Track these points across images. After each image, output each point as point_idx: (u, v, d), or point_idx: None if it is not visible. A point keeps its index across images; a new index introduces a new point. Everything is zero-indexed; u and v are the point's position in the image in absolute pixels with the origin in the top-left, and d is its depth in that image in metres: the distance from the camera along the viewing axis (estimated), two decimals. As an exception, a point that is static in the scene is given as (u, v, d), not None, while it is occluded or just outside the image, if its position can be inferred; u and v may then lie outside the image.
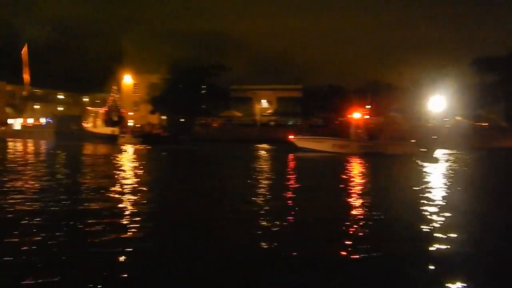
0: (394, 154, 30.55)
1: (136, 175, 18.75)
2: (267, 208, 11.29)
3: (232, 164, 26.82)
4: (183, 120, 68.02)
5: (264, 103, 74.47)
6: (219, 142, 49.58)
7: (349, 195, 13.50)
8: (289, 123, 62.84)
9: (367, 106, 37.49)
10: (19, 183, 14.78)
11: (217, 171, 22.72)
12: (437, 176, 19.53)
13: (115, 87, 48.75)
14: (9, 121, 61.10)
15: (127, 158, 28.26)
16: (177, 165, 27.01)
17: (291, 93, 71.39)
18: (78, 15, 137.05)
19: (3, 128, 58.86)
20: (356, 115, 35.04)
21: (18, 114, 72.23)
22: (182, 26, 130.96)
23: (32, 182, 15.35)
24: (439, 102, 47.85)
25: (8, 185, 14.33)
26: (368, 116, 36.87)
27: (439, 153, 31.34)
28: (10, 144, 41.87)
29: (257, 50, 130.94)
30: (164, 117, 71.75)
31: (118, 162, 25.01)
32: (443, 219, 10.07)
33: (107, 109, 47.59)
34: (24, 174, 17.48)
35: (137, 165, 24.41)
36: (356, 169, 23.08)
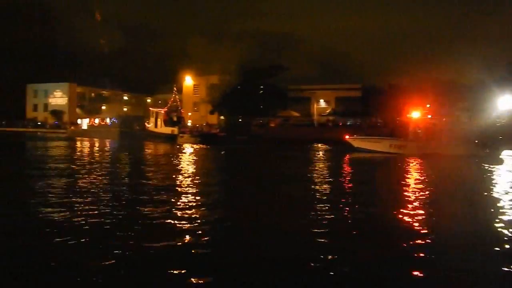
0: (455, 155, 28.98)
1: (194, 174, 19.06)
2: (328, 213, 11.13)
3: (288, 164, 26.72)
4: (241, 120, 68.95)
5: (322, 103, 73.82)
6: (276, 142, 49.45)
7: (413, 202, 12.60)
8: (348, 123, 61.84)
9: (427, 105, 35.98)
10: (85, 181, 15.41)
11: (274, 171, 22.70)
12: (504, 178, 18.42)
13: (175, 88, 50.02)
14: (78, 121, 64.67)
15: (186, 157, 28.98)
16: (235, 164, 27.40)
17: (350, 93, 70.16)
18: (141, 17, 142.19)
19: (72, 127, 62.40)
20: (415, 114, 33.73)
21: (87, 114, 76.39)
22: (242, 27, 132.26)
23: (99, 180, 16.04)
24: (507, 101, 45.07)
25: (77, 184, 14.92)
26: (429, 116, 35.47)
27: (505, 154, 29.54)
28: (78, 143, 44.20)
29: (317, 50, 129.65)
30: (222, 117, 73.10)
31: (177, 161, 25.65)
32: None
33: (167, 109, 48.85)
34: (90, 173, 18.24)
35: (196, 164, 24.90)
36: (415, 171, 22.21)
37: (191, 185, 14.86)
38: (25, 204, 11.12)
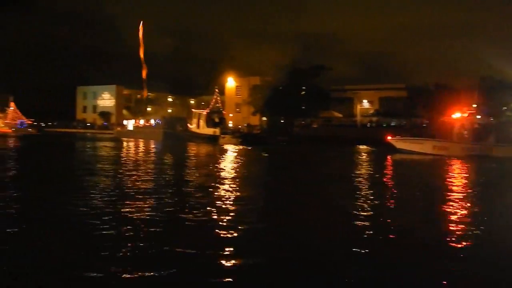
0: (502, 157, 27.80)
1: (236, 175, 19.27)
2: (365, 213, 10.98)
3: (328, 166, 26.51)
4: (283, 121, 68.89)
5: (366, 103, 72.55)
6: (318, 143, 49.11)
7: (456, 211, 11.91)
8: (392, 124, 60.53)
9: (473, 105, 34.67)
10: (129, 181, 15.93)
11: (315, 173, 22.60)
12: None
13: (217, 90, 50.70)
14: (124, 122, 66.71)
15: (227, 158, 29.31)
16: (276, 165, 27.42)
17: (394, 93, 68.43)
18: (185, 20, 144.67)
19: (119, 128, 64.42)
20: (459, 114, 32.78)
21: (133, 115, 78.58)
22: (285, 28, 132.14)
23: (145, 178, 16.68)
24: None
25: (121, 183, 15.45)
26: (478, 116, 34.20)
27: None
28: (124, 143, 45.56)
29: (360, 49, 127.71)
30: (264, 118, 73.27)
31: (219, 162, 25.99)
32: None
33: (209, 111, 49.60)
34: (134, 173, 18.80)
35: (237, 164, 25.13)
36: (459, 174, 21.45)
37: (232, 187, 14.98)
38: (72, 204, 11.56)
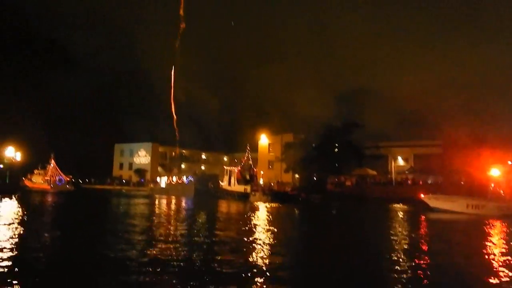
0: None
1: (265, 234, 18.81)
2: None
3: (365, 224, 25.78)
4: (315, 178, 68.32)
5: (400, 160, 71.30)
6: (352, 200, 48.44)
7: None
8: (429, 181, 58.91)
9: (509, 162, 33.35)
10: (159, 239, 15.96)
11: (352, 231, 22.18)
12: None
13: (248, 147, 51.33)
14: (157, 179, 67.84)
15: (257, 216, 28.90)
16: (309, 224, 26.78)
17: (429, 150, 67.11)
18: (219, 77, 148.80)
19: (152, 185, 65.42)
20: (495, 171, 31.30)
21: (167, 172, 79.85)
22: (320, 84, 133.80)
23: (173, 237, 16.78)
24: None
25: (152, 240, 15.63)
26: None
27: None
28: (156, 200, 45.97)
29: (396, 105, 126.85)
30: (297, 176, 72.96)
31: (248, 220, 25.62)
32: None
33: (240, 168, 49.93)
34: (164, 230, 18.92)
35: (268, 223, 24.62)
36: (494, 236, 20.17)
37: (262, 246, 14.71)
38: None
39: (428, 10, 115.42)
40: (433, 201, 33.26)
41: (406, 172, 65.35)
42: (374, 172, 67.73)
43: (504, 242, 17.79)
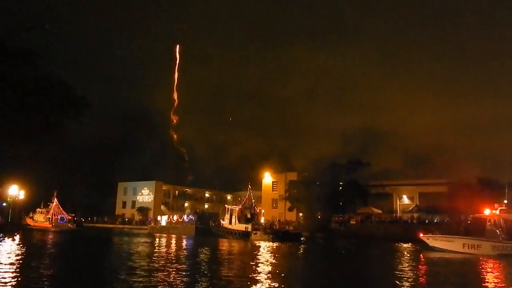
0: None
1: (267, 274, 18.12)
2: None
3: (369, 265, 25.22)
4: (320, 216, 67.43)
5: (405, 198, 70.39)
6: (356, 239, 47.91)
7: None
8: (435, 220, 57.91)
9: (505, 201, 33.16)
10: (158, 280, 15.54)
11: (357, 272, 21.64)
12: None
13: (250, 186, 51.27)
14: (158, 218, 67.12)
15: (257, 255, 28.13)
16: (311, 264, 26.25)
17: (434, 188, 66.24)
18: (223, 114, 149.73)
19: (152, 224, 64.64)
20: (487, 211, 31.45)
21: (170, 211, 79.11)
22: (325, 123, 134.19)
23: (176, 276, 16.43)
24: None
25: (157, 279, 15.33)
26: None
27: None
28: (157, 239, 45.22)
29: (400, 144, 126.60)
30: (301, 214, 72.00)
31: (248, 260, 25.13)
32: None
33: (241, 207, 49.72)
34: (163, 270, 18.30)
35: (268, 263, 23.74)
36: (488, 277, 19.46)
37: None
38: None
39: (439, 59, 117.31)
40: (431, 241, 33.37)
41: (412, 210, 64.40)
42: (379, 211, 66.90)
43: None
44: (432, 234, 34.73)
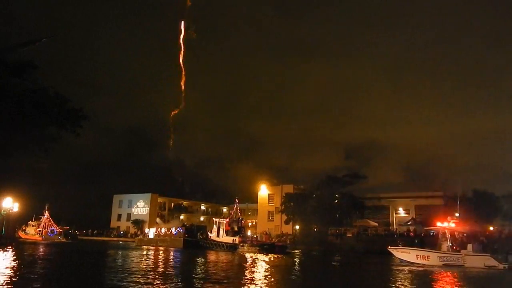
0: (474, 267, 28.22)
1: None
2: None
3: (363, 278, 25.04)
4: (316, 229, 66.50)
5: (402, 211, 69.34)
6: (352, 252, 48.34)
7: None
8: (432, 233, 56.79)
9: (455, 214, 35.98)
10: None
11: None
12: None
13: (237, 200, 51.64)
14: (146, 230, 66.20)
15: (244, 267, 28.03)
16: (304, 276, 25.67)
17: (430, 201, 65.22)
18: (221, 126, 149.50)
19: (140, 237, 63.68)
20: (439, 223, 33.13)
21: (165, 224, 77.99)
22: (323, 136, 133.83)
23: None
24: None
25: None
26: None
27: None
28: (144, 251, 44.33)
29: (397, 157, 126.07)
30: (297, 227, 70.98)
31: (235, 272, 24.96)
32: None
33: (229, 220, 50.04)
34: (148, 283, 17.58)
35: (257, 275, 23.19)
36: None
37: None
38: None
39: (439, 74, 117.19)
40: (396, 253, 34.40)
41: (407, 223, 63.43)
42: (375, 224, 66.02)
43: None
44: (396, 246, 36.00)
